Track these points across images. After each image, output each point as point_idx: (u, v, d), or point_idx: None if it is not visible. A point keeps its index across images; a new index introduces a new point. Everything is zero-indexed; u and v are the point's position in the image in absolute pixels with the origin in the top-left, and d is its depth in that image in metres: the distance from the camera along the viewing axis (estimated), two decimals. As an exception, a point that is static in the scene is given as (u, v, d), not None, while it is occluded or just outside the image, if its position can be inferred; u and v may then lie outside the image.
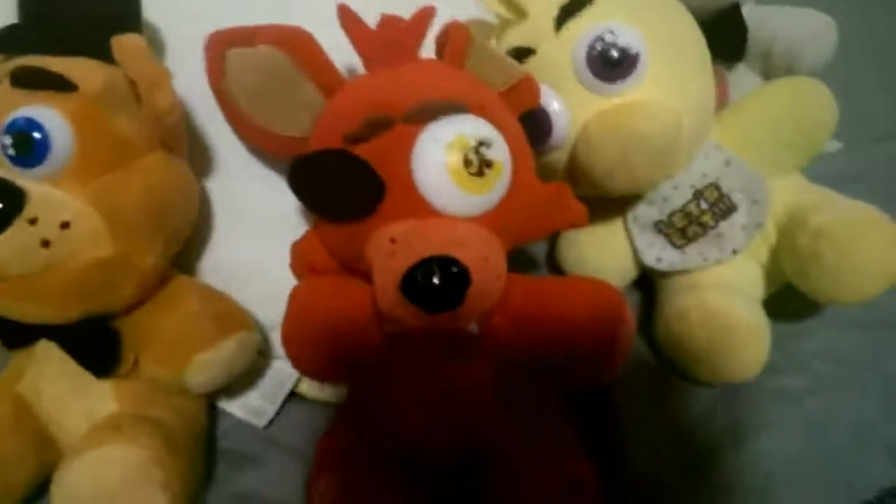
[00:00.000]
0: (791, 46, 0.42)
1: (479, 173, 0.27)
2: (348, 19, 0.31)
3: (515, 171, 0.29)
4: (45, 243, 0.27)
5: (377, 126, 0.28)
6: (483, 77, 0.31)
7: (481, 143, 0.28)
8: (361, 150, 0.28)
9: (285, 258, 0.33)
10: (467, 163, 0.27)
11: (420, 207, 0.28)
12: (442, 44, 0.32)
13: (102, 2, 0.31)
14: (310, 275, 0.33)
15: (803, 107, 0.35)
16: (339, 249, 0.31)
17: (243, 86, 0.32)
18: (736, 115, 0.36)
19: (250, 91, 0.32)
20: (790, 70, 0.42)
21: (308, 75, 0.31)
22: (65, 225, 0.27)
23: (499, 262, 0.28)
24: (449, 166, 0.27)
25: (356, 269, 0.30)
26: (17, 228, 0.26)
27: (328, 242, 0.32)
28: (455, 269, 0.25)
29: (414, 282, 0.25)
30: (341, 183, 0.28)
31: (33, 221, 0.27)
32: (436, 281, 0.25)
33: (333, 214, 0.29)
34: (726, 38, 0.42)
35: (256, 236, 0.37)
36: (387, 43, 0.31)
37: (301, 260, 0.33)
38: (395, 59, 0.31)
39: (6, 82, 0.28)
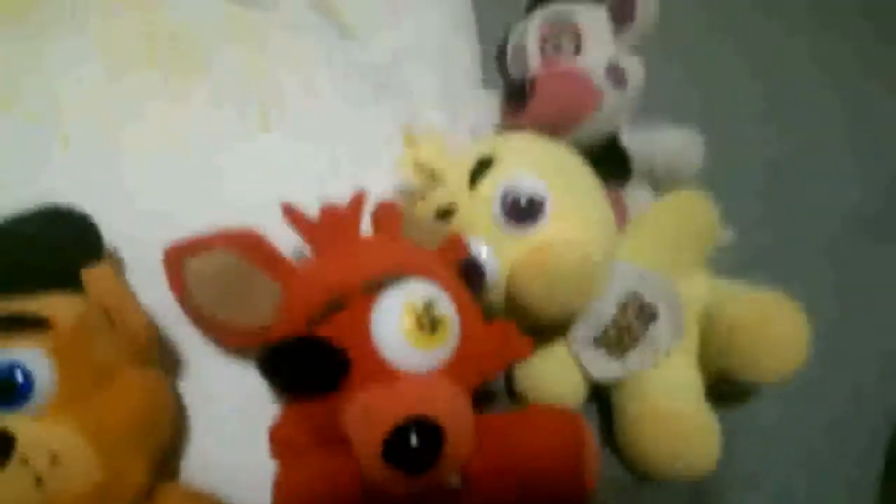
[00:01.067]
0: (669, 161, 0.49)
1: (433, 330, 0.31)
2: (292, 215, 0.35)
3: (463, 321, 0.33)
4: (39, 481, 0.27)
5: (335, 307, 0.31)
6: (418, 242, 0.36)
7: (429, 304, 0.31)
8: (324, 331, 0.31)
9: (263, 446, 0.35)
10: (420, 324, 0.31)
11: (385, 371, 0.30)
12: (377, 220, 0.36)
13: (60, 235, 0.33)
14: (289, 456, 0.34)
15: (692, 214, 0.41)
16: (316, 423, 0.33)
17: (204, 291, 0.34)
18: (637, 232, 0.42)
19: (211, 294, 0.34)
20: (673, 178, 0.49)
21: (263, 271, 0.34)
22: (54, 458, 0.28)
23: (466, 408, 0.30)
24: (404, 330, 0.30)
25: (336, 437, 0.32)
26: (10, 472, 0.27)
27: (305, 419, 0.33)
28: (429, 426, 0.28)
29: (393, 447, 0.27)
30: (308, 364, 0.31)
31: (24, 461, 0.27)
32: (413, 443, 0.27)
33: (305, 393, 0.32)
34: (614, 164, 0.49)
35: (233, 427, 0.38)
36: (330, 229, 0.35)
37: (280, 442, 0.34)
38: (340, 241, 0.35)
39: (-21, 329, 0.30)
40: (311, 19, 0.57)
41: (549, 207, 0.38)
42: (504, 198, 0.38)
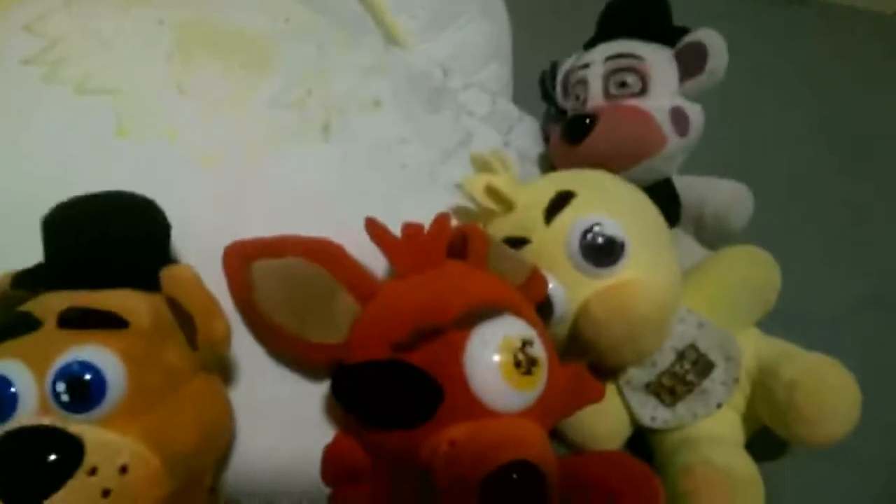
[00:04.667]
0: (718, 212, 0.50)
1: (528, 371, 0.30)
2: (377, 231, 0.34)
3: (549, 363, 0.32)
4: (106, 493, 0.25)
5: (427, 334, 0.30)
6: (503, 275, 0.35)
7: (525, 343, 0.30)
8: (413, 358, 0.30)
9: (313, 463, 0.33)
10: (517, 363, 0.30)
11: (474, 408, 0.29)
12: (459, 245, 0.35)
13: (134, 231, 0.31)
14: (343, 480, 0.33)
15: (756, 272, 0.41)
16: (385, 453, 0.32)
17: (274, 298, 0.33)
18: (699, 282, 0.42)
19: (282, 303, 0.33)
20: (720, 231, 0.50)
21: (342, 285, 0.33)
22: (123, 469, 0.26)
23: (552, 454, 0.30)
24: (503, 367, 0.29)
25: (404, 468, 0.31)
26: (78, 482, 0.25)
27: (372, 446, 0.32)
28: (531, 470, 0.27)
29: (494, 490, 0.26)
30: (398, 392, 0.29)
31: (93, 471, 0.25)
32: (519, 487, 0.26)
33: (389, 423, 0.30)
34: (663, 208, 0.49)
35: (282, 442, 0.36)
36: (415, 250, 0.34)
37: (335, 465, 0.33)
38: (425, 264, 0.34)
39: (51, 323, 0.27)
40: (364, 23, 0.56)
41: (628, 250, 0.38)
42: (583, 237, 0.38)
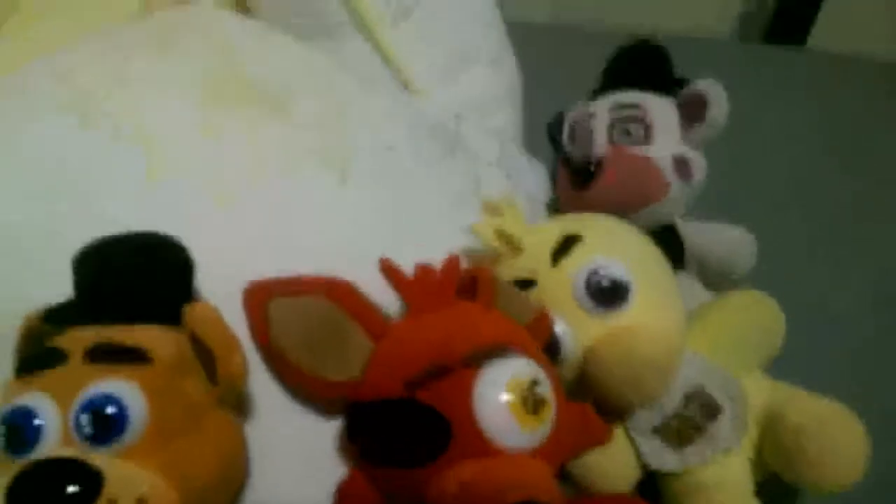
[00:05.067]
0: (723, 258, 0.51)
1: (535, 410, 0.31)
2: (391, 272, 0.35)
3: (556, 403, 0.33)
4: (123, 523, 0.26)
5: (437, 373, 0.31)
6: (511, 315, 0.36)
7: (533, 383, 0.31)
8: (423, 396, 0.30)
9: (326, 501, 0.34)
10: (525, 402, 0.30)
11: (483, 447, 0.30)
12: (468, 286, 0.37)
13: (161, 271, 0.32)
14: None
15: (760, 316, 0.42)
16: (395, 491, 0.32)
17: (291, 336, 0.34)
18: (703, 325, 0.43)
19: (298, 341, 0.34)
20: (724, 274, 0.51)
21: (357, 323, 0.34)
22: (141, 501, 0.27)
23: (561, 494, 0.30)
24: (511, 406, 0.30)
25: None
26: (97, 514, 0.25)
27: (383, 484, 0.32)
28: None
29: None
30: (409, 431, 0.30)
31: (112, 503, 0.26)
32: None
33: (399, 462, 0.31)
34: (668, 252, 0.50)
35: (295, 479, 0.36)
36: (426, 290, 0.35)
37: (348, 502, 0.33)
38: (436, 304, 0.35)
39: (78, 357, 0.28)
40: (378, 69, 0.59)
41: (633, 293, 0.39)
42: (589, 279, 0.39)
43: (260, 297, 0.35)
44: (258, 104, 0.46)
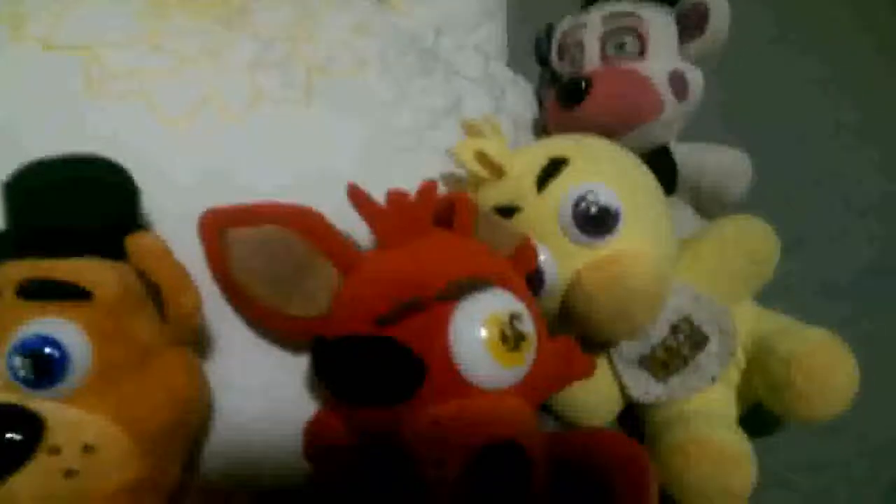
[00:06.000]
0: (717, 182, 0.48)
1: (515, 346, 0.29)
2: (359, 198, 0.32)
3: (537, 337, 0.31)
4: (69, 473, 0.24)
5: (410, 308, 0.28)
6: (491, 245, 0.33)
7: (513, 317, 0.29)
8: (395, 332, 0.28)
9: (294, 440, 0.32)
10: (504, 338, 0.28)
11: (458, 385, 0.28)
12: (446, 214, 0.34)
13: (100, 197, 0.29)
14: (325, 457, 0.32)
15: (751, 243, 0.40)
16: (366, 430, 0.30)
17: (252, 269, 0.31)
18: (693, 254, 0.41)
19: (260, 274, 0.31)
20: (717, 199, 0.48)
21: (323, 255, 0.31)
22: (88, 448, 0.25)
23: (538, 433, 0.29)
24: (489, 343, 0.28)
25: (386, 446, 0.30)
26: (38, 462, 0.23)
27: (353, 423, 0.31)
28: (516, 451, 0.26)
29: (478, 471, 0.25)
30: (379, 368, 0.28)
31: (54, 451, 0.24)
32: (504, 469, 0.25)
33: (369, 400, 0.29)
34: (660, 176, 0.47)
35: (261, 419, 0.35)
36: (399, 219, 0.32)
37: (316, 442, 0.32)
38: (410, 234, 0.32)
39: (9, 293, 0.26)
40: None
41: (622, 220, 0.36)
42: (576, 205, 0.36)
43: (216, 227, 0.32)
44: (214, 15, 0.41)
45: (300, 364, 0.34)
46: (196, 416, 0.30)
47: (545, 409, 0.43)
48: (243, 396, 0.35)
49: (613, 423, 0.43)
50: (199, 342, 0.32)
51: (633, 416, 0.43)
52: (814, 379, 0.35)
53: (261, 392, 0.34)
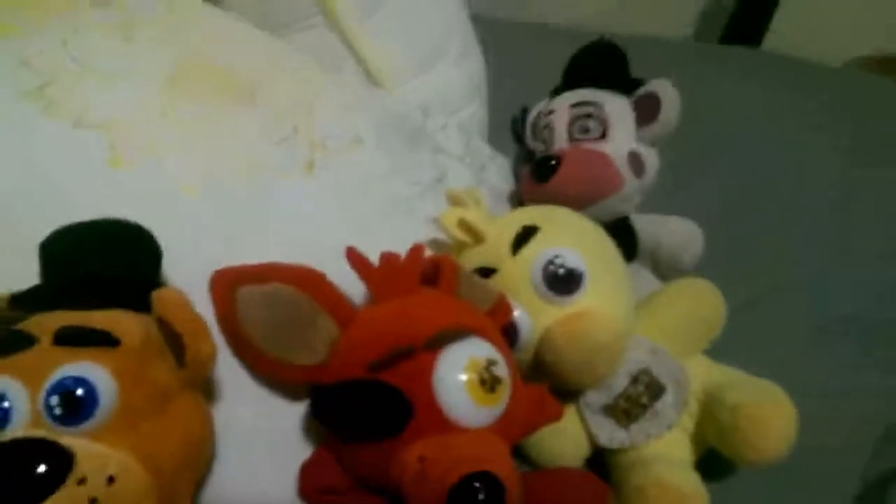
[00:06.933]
0: (673, 250, 0.54)
1: (492, 389, 0.33)
2: (356, 260, 0.36)
3: (512, 382, 0.35)
4: (93, 501, 0.27)
5: (401, 355, 0.32)
6: (472, 301, 0.38)
7: (490, 363, 0.33)
8: (385, 376, 0.32)
9: (291, 481, 0.35)
10: (482, 381, 0.32)
11: (442, 424, 0.32)
12: (431, 274, 0.38)
13: (127, 256, 0.33)
14: (321, 496, 0.34)
15: (703, 303, 0.45)
16: (360, 468, 0.34)
17: (258, 323, 0.35)
18: (651, 311, 0.46)
19: (266, 328, 0.35)
20: (674, 266, 0.54)
21: (323, 310, 0.35)
22: (111, 479, 0.28)
23: (514, 467, 0.32)
24: (468, 385, 0.32)
25: (377, 485, 0.33)
26: (67, 491, 0.26)
27: (348, 462, 0.34)
28: (493, 481, 0.29)
29: (459, 498, 0.29)
30: (370, 406, 0.32)
31: (82, 481, 0.27)
32: (481, 497, 0.29)
33: (363, 437, 0.32)
34: (621, 243, 0.52)
35: (258, 463, 0.37)
36: (391, 278, 0.37)
37: (312, 480, 0.35)
38: (400, 291, 0.36)
39: (46, 340, 0.29)
40: (346, 62, 0.59)
41: (586, 281, 0.41)
42: (545, 267, 0.41)
43: (227, 284, 0.36)
44: (225, 93, 0.46)
45: (299, 411, 0.37)
46: (205, 456, 0.33)
47: (519, 454, 0.46)
48: (246, 441, 0.37)
49: (584, 467, 0.47)
50: (208, 390, 0.35)
51: (601, 462, 0.46)
52: (757, 424, 0.40)
53: (262, 437, 0.37)
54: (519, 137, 0.63)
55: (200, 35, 0.49)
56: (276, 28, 0.55)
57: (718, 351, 0.47)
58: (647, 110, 0.54)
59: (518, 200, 0.60)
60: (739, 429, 0.40)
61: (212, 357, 0.32)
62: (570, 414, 0.45)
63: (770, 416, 0.40)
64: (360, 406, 0.32)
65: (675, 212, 0.56)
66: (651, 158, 0.55)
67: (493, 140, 0.66)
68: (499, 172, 0.64)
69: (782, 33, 1.14)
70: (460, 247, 0.45)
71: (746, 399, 0.41)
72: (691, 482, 0.41)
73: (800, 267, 0.64)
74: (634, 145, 0.54)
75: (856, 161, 0.75)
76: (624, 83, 0.57)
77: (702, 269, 0.53)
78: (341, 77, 0.54)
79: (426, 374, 0.32)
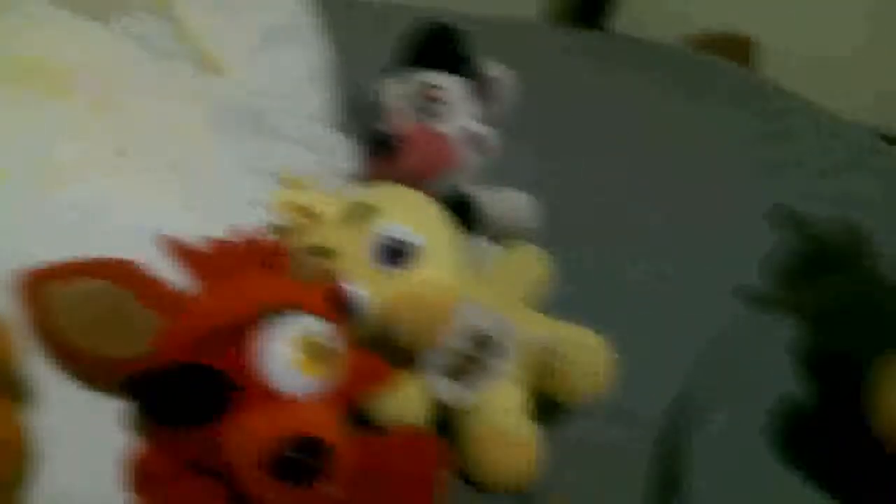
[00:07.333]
0: (507, 218, 0.58)
1: (319, 359, 0.35)
2: (173, 247, 0.37)
3: (343, 352, 0.37)
4: None
5: (225, 336, 0.33)
6: (304, 280, 0.39)
7: (317, 335, 0.35)
8: (211, 358, 0.33)
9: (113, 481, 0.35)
10: (308, 352, 0.34)
11: (273, 398, 0.34)
12: (262, 256, 0.39)
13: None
14: (151, 487, 0.35)
15: (532, 267, 0.50)
16: (190, 452, 0.35)
17: (76, 321, 0.33)
18: (484, 276, 0.50)
19: (80, 325, 0.34)
20: (509, 233, 0.58)
21: (141, 300, 0.34)
22: None
23: (341, 432, 0.34)
24: (294, 358, 0.34)
25: (211, 466, 0.34)
26: None
27: (175, 449, 0.35)
28: (312, 441, 0.31)
29: (279, 462, 0.31)
30: (192, 390, 0.33)
31: None
32: (301, 458, 0.31)
33: (189, 420, 0.33)
34: (460, 214, 0.55)
35: (78, 464, 0.35)
36: (222, 263, 0.37)
37: (137, 473, 0.35)
38: (229, 274, 0.37)
39: None
40: (177, 47, 0.58)
41: (421, 253, 0.44)
42: (381, 242, 0.44)
43: (37, 283, 0.34)
44: (38, 84, 0.44)
45: (116, 409, 0.36)
46: (13, 465, 0.31)
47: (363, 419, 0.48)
48: (60, 444, 0.35)
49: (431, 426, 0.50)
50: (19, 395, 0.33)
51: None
52: (574, 364, 0.45)
53: (77, 438, 0.35)
54: (362, 118, 0.64)
55: (7, 24, 0.46)
56: (98, 14, 0.53)
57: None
58: (485, 91, 0.58)
59: (364, 181, 0.62)
60: (553, 369, 0.45)
61: (15, 359, 0.31)
62: (411, 377, 0.48)
63: (583, 357, 0.46)
64: (178, 391, 0.33)
65: (512, 186, 0.61)
66: (489, 136, 0.59)
67: (337, 122, 0.67)
68: (343, 154, 0.65)
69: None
70: (301, 229, 0.47)
71: (563, 343, 0.46)
72: (522, 426, 0.46)
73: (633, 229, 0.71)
74: (474, 125, 0.58)
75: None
76: (464, 65, 0.61)
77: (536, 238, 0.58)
78: (170, 64, 0.53)
79: (253, 351, 0.34)
